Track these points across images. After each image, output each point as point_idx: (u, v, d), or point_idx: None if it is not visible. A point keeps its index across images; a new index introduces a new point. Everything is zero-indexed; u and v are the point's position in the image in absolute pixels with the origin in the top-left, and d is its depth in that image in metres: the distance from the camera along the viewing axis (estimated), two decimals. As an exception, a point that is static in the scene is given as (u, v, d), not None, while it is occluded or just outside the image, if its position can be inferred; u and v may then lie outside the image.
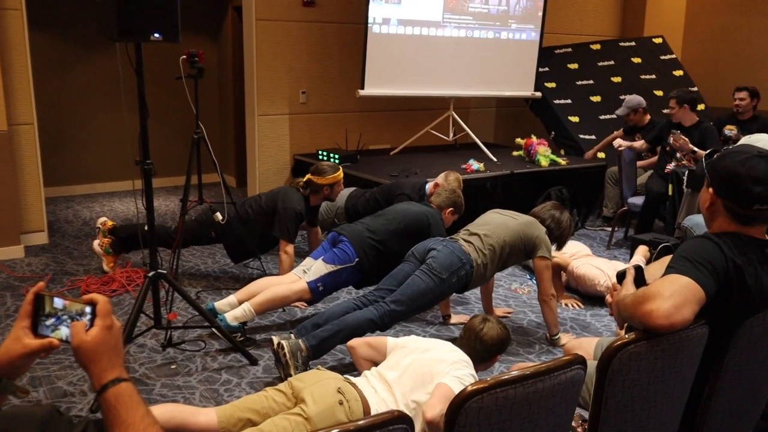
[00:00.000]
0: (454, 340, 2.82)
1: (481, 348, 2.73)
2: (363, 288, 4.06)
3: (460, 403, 1.34)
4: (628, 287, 1.84)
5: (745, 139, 2.79)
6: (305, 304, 3.98)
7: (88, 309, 1.23)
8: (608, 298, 2.00)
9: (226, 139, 7.68)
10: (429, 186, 4.67)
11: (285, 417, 2.33)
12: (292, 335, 3.21)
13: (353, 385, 2.53)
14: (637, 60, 7.64)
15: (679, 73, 7.67)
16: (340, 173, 4.42)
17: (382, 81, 6.07)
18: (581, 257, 4.52)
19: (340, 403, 2.38)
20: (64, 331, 1.24)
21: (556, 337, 3.72)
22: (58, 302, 1.24)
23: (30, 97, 5.07)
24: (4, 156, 4.84)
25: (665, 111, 5.45)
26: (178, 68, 3.90)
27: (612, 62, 7.54)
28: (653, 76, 7.53)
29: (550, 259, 3.65)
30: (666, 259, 2.18)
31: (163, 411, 2.39)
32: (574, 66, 7.40)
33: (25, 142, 5.12)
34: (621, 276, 1.94)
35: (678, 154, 5.37)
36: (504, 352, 2.93)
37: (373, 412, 2.45)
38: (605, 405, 1.62)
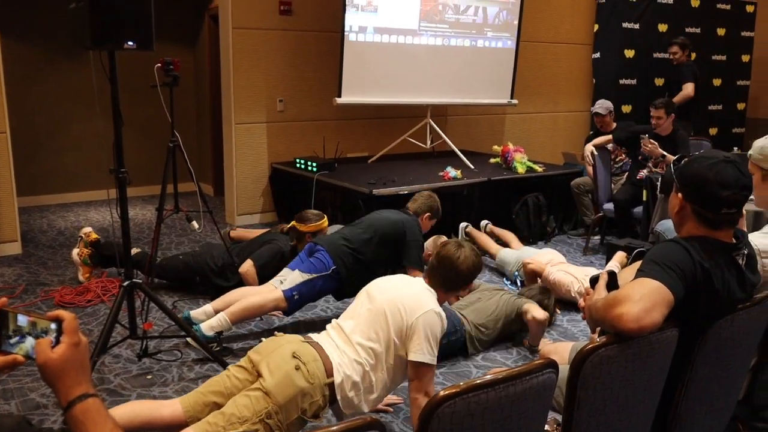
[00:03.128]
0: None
1: (454, 275, 2.66)
2: (343, 299, 4.06)
3: (433, 408, 1.35)
4: (600, 292, 1.86)
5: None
6: (281, 313, 3.96)
7: (53, 326, 1.22)
8: (581, 302, 2.02)
9: (204, 147, 7.65)
10: None
11: (245, 394, 2.29)
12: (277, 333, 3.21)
13: (312, 343, 2.47)
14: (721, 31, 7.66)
15: (746, 58, 7.75)
16: (324, 221, 4.43)
17: (359, 89, 6.09)
18: (556, 264, 4.55)
19: (297, 368, 2.32)
20: (29, 347, 1.22)
21: (535, 346, 3.75)
22: (22, 319, 1.23)
23: (2, 105, 5.02)
24: (-24, 165, 4.78)
25: (653, 120, 5.47)
26: (154, 76, 3.88)
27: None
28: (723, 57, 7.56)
29: (543, 318, 3.69)
30: (637, 264, 2.22)
31: (125, 411, 2.34)
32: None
33: (-3, 151, 5.06)
34: (595, 281, 1.96)
35: (650, 162, 5.46)
36: (473, 281, 2.88)
37: (334, 367, 2.41)
38: (578, 408, 1.63)
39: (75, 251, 4.60)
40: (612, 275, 1.93)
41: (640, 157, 5.59)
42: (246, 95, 6.14)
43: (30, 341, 1.22)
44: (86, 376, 1.22)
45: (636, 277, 1.72)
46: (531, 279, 4.50)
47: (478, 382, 1.39)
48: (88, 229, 4.65)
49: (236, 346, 3.67)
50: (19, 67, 6.46)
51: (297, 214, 4.46)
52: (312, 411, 2.35)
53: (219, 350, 3.49)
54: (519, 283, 4.70)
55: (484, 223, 5.58)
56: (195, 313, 3.70)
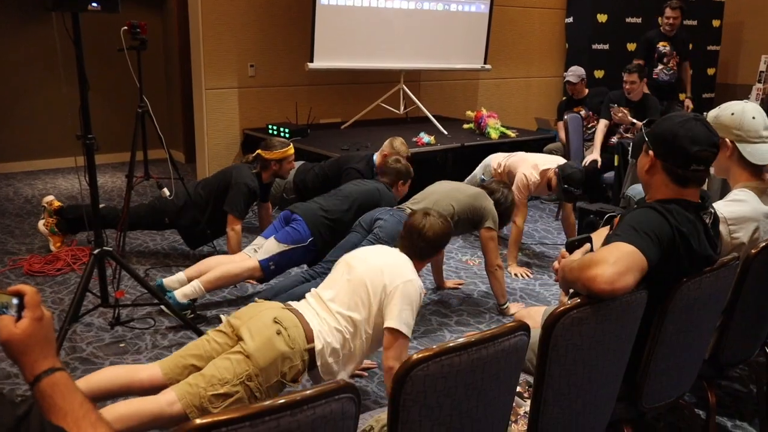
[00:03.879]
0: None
1: (424, 245, 2.70)
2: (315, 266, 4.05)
3: (406, 372, 1.36)
4: (577, 255, 1.89)
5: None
6: (255, 282, 3.95)
7: (15, 301, 1.19)
8: (555, 264, 2.04)
9: (174, 113, 7.52)
10: (376, 157, 4.67)
11: (225, 357, 2.30)
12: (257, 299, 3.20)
13: (293, 310, 2.49)
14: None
15: (716, 23, 7.72)
16: (290, 149, 4.36)
17: (331, 54, 6.01)
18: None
19: (278, 333, 2.34)
20: None
21: (505, 306, 3.79)
22: None
23: (-37, 70, 4.87)
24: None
25: (626, 86, 5.51)
26: (119, 40, 3.78)
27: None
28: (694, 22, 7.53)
29: (497, 231, 3.70)
30: (606, 229, 2.25)
31: (103, 376, 2.33)
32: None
33: (-41, 117, 4.92)
34: (570, 245, 1.98)
35: (621, 128, 5.51)
36: (445, 246, 2.91)
37: (315, 334, 2.43)
38: (549, 369, 1.66)
39: (41, 222, 4.51)
40: (589, 241, 1.96)
41: (610, 122, 5.63)
42: (216, 60, 6.02)
43: None
44: (51, 350, 1.20)
45: (611, 241, 1.75)
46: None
47: (451, 345, 1.40)
48: (50, 198, 4.55)
49: (209, 313, 3.66)
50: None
51: (262, 142, 4.40)
52: (291, 375, 2.37)
53: (192, 317, 3.49)
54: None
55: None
56: (168, 280, 3.67)
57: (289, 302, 2.60)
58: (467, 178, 5.11)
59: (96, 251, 3.19)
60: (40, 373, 1.16)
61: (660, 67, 6.41)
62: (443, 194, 3.71)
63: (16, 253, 4.48)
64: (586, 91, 6.21)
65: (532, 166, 4.48)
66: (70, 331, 3.28)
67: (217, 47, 6.01)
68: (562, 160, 4.56)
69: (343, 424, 1.25)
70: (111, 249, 3.25)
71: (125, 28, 3.80)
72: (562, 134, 6.02)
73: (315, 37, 5.85)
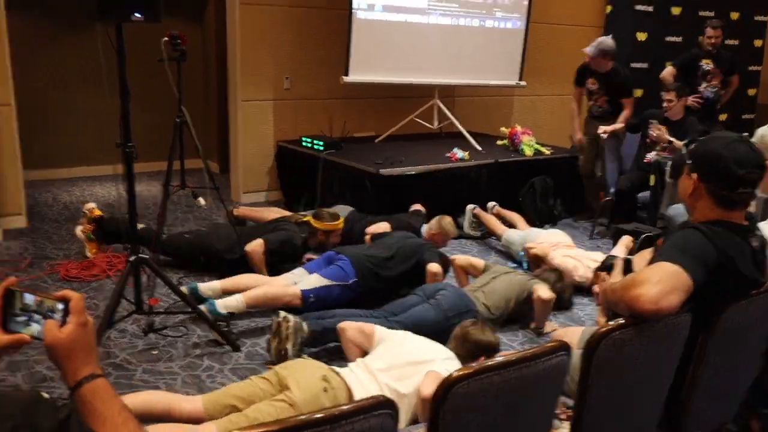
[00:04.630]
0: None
1: (473, 347, 2.70)
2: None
3: (447, 388, 1.34)
4: (617, 276, 1.85)
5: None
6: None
7: (60, 306, 1.20)
8: (595, 287, 2.00)
9: (210, 124, 7.60)
10: (424, 231, 4.67)
11: (270, 403, 2.33)
12: (297, 317, 3.22)
13: (337, 373, 2.53)
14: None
15: (758, 43, 7.59)
16: (340, 223, 4.41)
17: (366, 67, 6.04)
18: (561, 248, 4.53)
19: (325, 390, 2.38)
20: (35, 328, 1.21)
21: (541, 328, 3.74)
22: (29, 298, 1.22)
23: (7, 78, 4.98)
24: (-19, 137, 4.75)
25: (663, 104, 5.43)
26: (160, 51, 3.84)
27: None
28: (735, 42, 7.37)
29: (548, 298, 3.68)
30: (647, 252, 2.20)
31: (146, 398, 2.40)
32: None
33: (3, 123, 5.02)
34: (604, 266, 1.94)
35: (658, 146, 5.42)
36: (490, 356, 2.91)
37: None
38: (590, 391, 1.62)
39: (78, 228, 4.57)
40: (627, 262, 1.92)
41: (648, 140, 5.54)
42: (252, 72, 6.09)
43: (37, 321, 1.21)
44: (93, 357, 1.21)
45: (655, 261, 1.70)
46: (534, 262, 4.48)
47: (491, 363, 1.37)
48: (91, 205, 4.62)
49: (241, 323, 3.66)
50: (25, 40, 6.40)
51: (314, 210, 4.47)
52: None
53: (226, 330, 3.47)
54: (525, 265, 4.68)
55: (491, 204, 5.55)
56: (203, 287, 3.70)
57: (333, 366, 2.62)
58: (504, 238, 5.03)
59: (132, 258, 3.22)
60: (82, 379, 1.16)
61: (704, 85, 6.28)
62: (500, 289, 3.74)
63: (54, 258, 4.55)
64: (610, 65, 5.84)
65: (590, 261, 4.34)
66: (104, 337, 3.31)
67: (254, 59, 6.07)
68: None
69: (381, 440, 1.23)
70: (147, 257, 3.29)
71: (166, 39, 3.86)
72: (574, 105, 6.14)
73: (351, 50, 5.89)
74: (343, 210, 4.87)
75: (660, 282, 1.61)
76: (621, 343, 1.59)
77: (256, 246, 4.10)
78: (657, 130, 5.26)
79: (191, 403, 2.41)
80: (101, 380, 1.18)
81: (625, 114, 5.83)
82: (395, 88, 6.67)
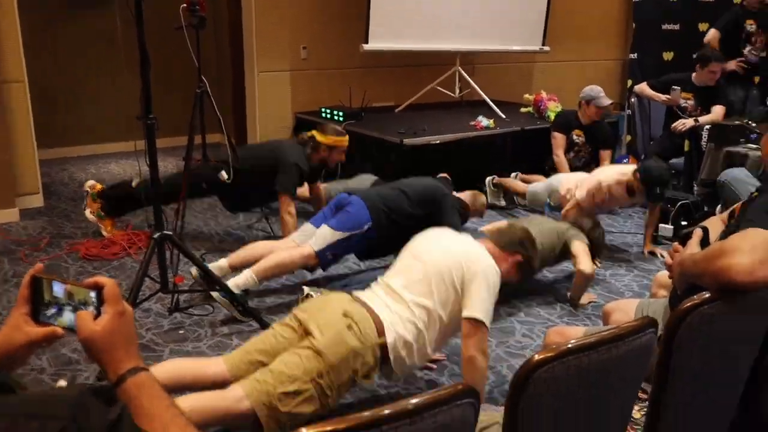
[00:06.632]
0: None
1: (509, 232, 2.62)
2: (367, 260, 3.89)
3: (528, 373, 1.19)
4: (693, 247, 1.69)
5: None
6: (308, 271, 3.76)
7: (92, 294, 1.08)
8: (668, 258, 1.83)
9: (224, 97, 7.41)
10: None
11: (294, 352, 2.18)
12: (322, 290, 3.08)
13: (361, 302, 2.36)
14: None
15: None
16: (344, 139, 4.21)
17: (386, 35, 5.84)
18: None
19: (349, 327, 2.22)
20: (68, 319, 1.10)
21: (577, 299, 3.60)
22: (58, 288, 1.10)
23: (19, 53, 4.82)
24: (-6, 114, 4.62)
25: (710, 75, 5.21)
26: (173, 21, 3.65)
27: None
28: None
29: (591, 272, 3.51)
30: (716, 219, 2.03)
31: (171, 368, 2.26)
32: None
33: (15, 100, 4.88)
34: (684, 237, 1.78)
35: (686, 113, 5.23)
36: (524, 252, 2.68)
37: (386, 327, 2.30)
38: (672, 372, 1.47)
39: (87, 211, 4.39)
40: (705, 231, 1.75)
41: (675, 108, 5.35)
42: (268, 43, 5.91)
43: (68, 314, 1.09)
44: (134, 348, 1.08)
45: (744, 227, 1.54)
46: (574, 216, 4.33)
47: (578, 343, 1.23)
48: (91, 182, 4.45)
49: (268, 300, 3.54)
50: (37, 13, 6.22)
51: (320, 125, 4.25)
52: (363, 372, 2.23)
53: (242, 310, 3.32)
54: (547, 208, 4.63)
55: (513, 174, 5.39)
56: (210, 267, 3.56)
57: (357, 293, 2.46)
58: (529, 191, 4.89)
59: (156, 235, 3.10)
60: (125, 373, 1.04)
61: (748, 47, 5.92)
62: (536, 235, 3.53)
63: (72, 237, 4.43)
64: (596, 119, 5.34)
65: (616, 171, 4.23)
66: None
67: (270, 29, 5.88)
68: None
69: (463, 431, 1.09)
70: (171, 233, 3.15)
71: (184, 5, 3.68)
72: (560, 153, 5.32)
73: (370, 18, 5.69)
74: (367, 179, 4.72)
75: (753, 250, 1.45)
76: (709, 318, 1.44)
77: (291, 210, 3.99)
78: (665, 98, 5.13)
79: (215, 366, 2.27)
80: (145, 374, 1.06)
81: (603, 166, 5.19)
82: (415, 56, 6.48)
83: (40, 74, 6.15)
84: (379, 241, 3.54)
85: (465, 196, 4.16)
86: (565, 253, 3.61)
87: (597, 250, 3.72)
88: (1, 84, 4.72)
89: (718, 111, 5.12)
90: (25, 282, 1.11)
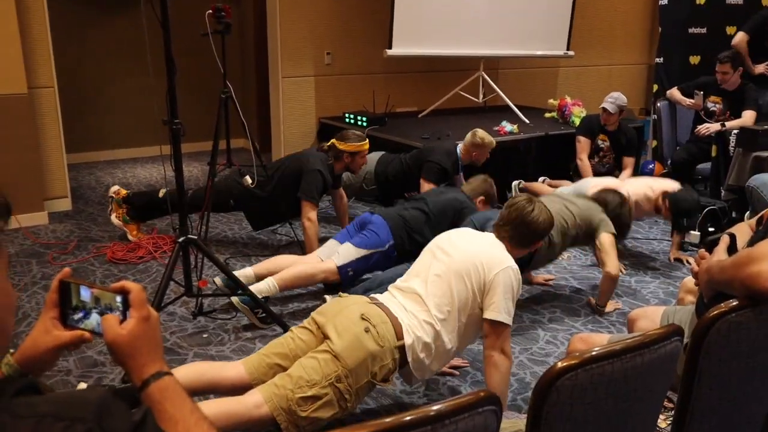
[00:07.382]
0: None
1: (527, 232, 2.52)
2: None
3: (551, 380, 1.18)
4: (720, 254, 1.66)
5: None
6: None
7: (118, 298, 1.10)
8: (694, 266, 1.81)
9: (249, 102, 7.48)
10: (460, 148, 4.49)
11: (312, 356, 2.18)
12: (340, 294, 3.08)
13: (379, 305, 2.35)
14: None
15: None
16: (365, 144, 4.21)
17: (410, 40, 5.84)
18: None
19: (366, 330, 2.21)
20: (95, 322, 1.11)
21: (602, 306, 3.55)
22: (85, 293, 1.12)
23: (50, 60, 4.91)
24: (25, 119, 4.69)
25: (718, 75, 5.13)
26: (199, 28, 3.70)
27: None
28: None
29: (617, 274, 3.46)
30: (744, 225, 2.00)
31: (189, 371, 2.27)
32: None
33: (45, 106, 4.97)
34: (710, 244, 1.75)
35: (714, 118, 5.15)
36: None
37: (404, 329, 2.29)
38: (699, 381, 1.45)
39: (113, 216, 4.44)
40: (732, 238, 1.73)
41: (701, 112, 5.28)
42: (293, 48, 5.94)
43: (95, 318, 1.11)
44: (159, 353, 1.10)
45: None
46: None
47: (603, 351, 1.21)
48: (115, 188, 4.50)
49: (291, 306, 3.55)
50: (66, 20, 6.33)
51: (338, 133, 4.27)
52: (382, 375, 2.23)
53: (263, 317, 3.33)
54: None
55: (541, 179, 5.36)
56: (236, 274, 3.58)
57: (374, 295, 2.46)
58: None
59: (181, 239, 3.13)
60: (149, 378, 1.05)
61: None
62: (555, 211, 3.48)
63: (100, 241, 4.49)
64: (618, 125, 5.30)
65: (646, 185, 4.17)
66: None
67: (294, 35, 5.92)
68: (675, 184, 4.23)
69: (484, 439, 1.09)
70: (195, 237, 3.18)
71: (210, 11, 3.73)
72: (584, 157, 5.27)
73: (394, 23, 5.69)
74: (376, 155, 4.82)
75: None
76: (737, 326, 1.42)
77: (310, 215, 4.00)
78: (688, 102, 5.10)
79: (234, 369, 2.27)
80: (169, 378, 1.07)
81: (626, 172, 5.24)
82: (438, 61, 6.47)
83: (68, 80, 6.26)
84: (400, 257, 3.59)
85: (476, 183, 4.12)
86: (588, 238, 3.54)
87: (621, 228, 3.63)
88: (32, 90, 4.80)
89: (748, 116, 5.03)
90: (54, 286, 1.13)
